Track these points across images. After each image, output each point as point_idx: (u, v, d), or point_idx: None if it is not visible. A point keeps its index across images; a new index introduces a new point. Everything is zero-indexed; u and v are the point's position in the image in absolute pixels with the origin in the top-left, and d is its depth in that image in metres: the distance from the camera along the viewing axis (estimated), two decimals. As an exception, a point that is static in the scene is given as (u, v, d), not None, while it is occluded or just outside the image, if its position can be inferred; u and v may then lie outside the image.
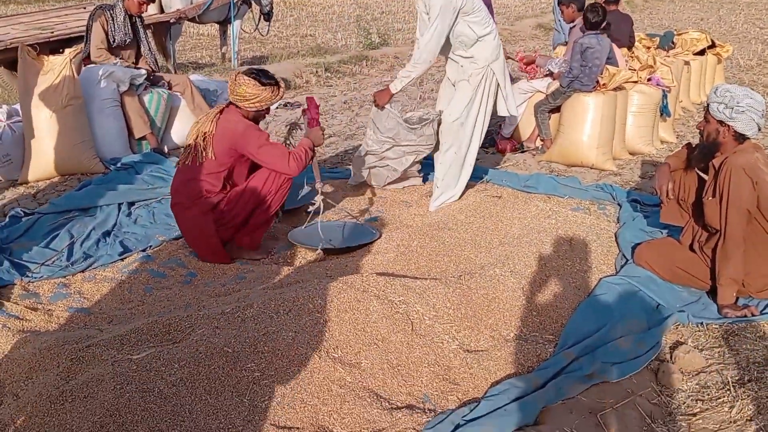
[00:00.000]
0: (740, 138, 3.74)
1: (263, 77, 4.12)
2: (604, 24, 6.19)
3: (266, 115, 4.35)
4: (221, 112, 4.17)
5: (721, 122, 3.72)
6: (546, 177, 5.72)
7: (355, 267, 4.09)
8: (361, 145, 5.29)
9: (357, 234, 4.60)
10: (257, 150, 4.10)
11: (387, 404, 2.87)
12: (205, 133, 4.09)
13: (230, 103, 4.19)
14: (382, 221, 4.92)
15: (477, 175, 5.72)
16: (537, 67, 6.78)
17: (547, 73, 6.60)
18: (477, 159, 6.33)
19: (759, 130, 3.73)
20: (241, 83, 4.07)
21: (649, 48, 7.95)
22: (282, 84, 4.25)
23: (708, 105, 3.79)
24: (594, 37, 6.07)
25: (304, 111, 4.55)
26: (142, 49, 6.60)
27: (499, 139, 6.79)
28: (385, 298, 3.43)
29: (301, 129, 4.79)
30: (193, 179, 4.13)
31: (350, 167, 5.54)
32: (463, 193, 5.24)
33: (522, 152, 6.59)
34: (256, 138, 4.10)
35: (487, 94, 4.88)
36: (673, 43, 8.43)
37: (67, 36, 7.27)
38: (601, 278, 3.99)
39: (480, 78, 4.79)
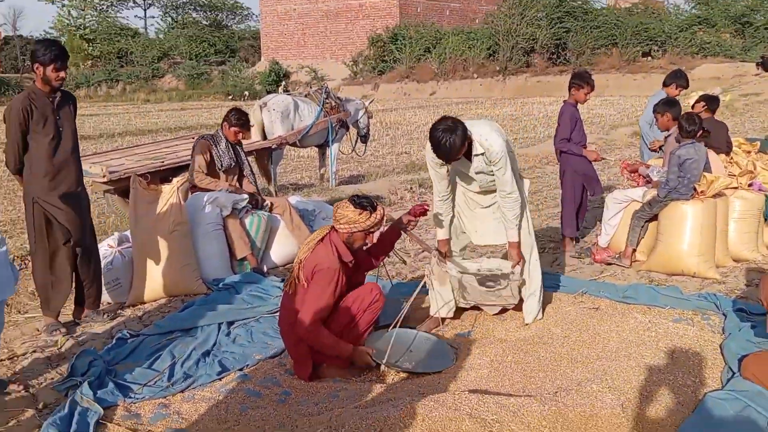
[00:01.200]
0: None
1: (361, 201, 4.25)
2: (700, 132, 6.14)
3: (368, 243, 4.39)
4: (322, 239, 4.28)
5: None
6: (645, 287, 5.58)
7: (447, 384, 4.04)
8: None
9: (433, 354, 4.53)
10: (311, 291, 4.15)
11: None
12: (300, 261, 4.22)
13: (332, 226, 4.33)
14: (474, 336, 4.87)
15: (573, 287, 5.65)
16: (639, 175, 6.75)
17: (647, 180, 6.55)
18: (574, 270, 6.30)
19: None
20: (339, 206, 4.27)
21: (749, 152, 7.77)
22: (380, 209, 4.30)
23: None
24: (691, 147, 6.01)
25: (413, 210, 4.72)
26: (245, 172, 6.95)
27: (595, 249, 6.69)
28: (478, 416, 3.37)
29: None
30: (291, 308, 4.25)
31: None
32: (559, 304, 5.17)
33: (617, 260, 6.45)
34: (321, 284, 4.14)
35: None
36: (775, 146, 8.22)
37: (177, 164, 7.72)
38: (706, 393, 3.80)
39: None
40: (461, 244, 5.15)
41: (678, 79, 7.66)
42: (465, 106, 26.85)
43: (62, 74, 4.92)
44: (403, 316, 4.65)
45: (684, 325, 4.78)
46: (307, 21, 44.55)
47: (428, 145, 4.56)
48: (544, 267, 6.10)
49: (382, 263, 4.90)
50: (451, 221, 5.00)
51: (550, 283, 5.66)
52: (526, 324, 4.92)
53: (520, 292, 4.92)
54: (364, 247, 4.45)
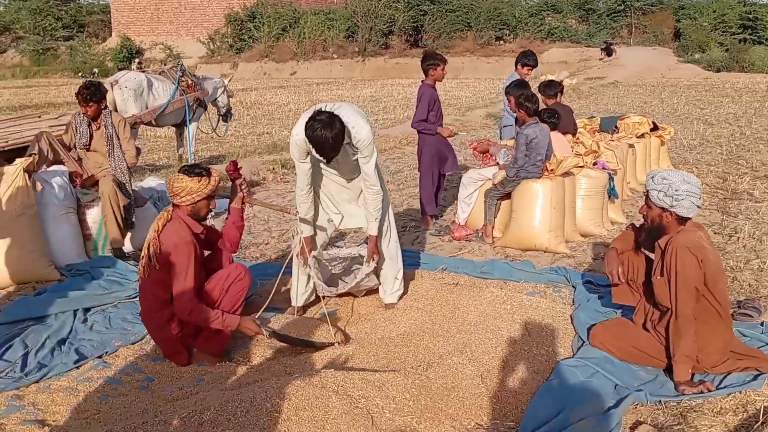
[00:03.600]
0: (683, 220, 3.89)
1: (193, 169, 4.16)
2: (540, 112, 6.45)
3: (211, 209, 4.30)
4: (170, 219, 4.15)
5: (663, 208, 3.86)
6: (501, 262, 5.82)
7: (313, 363, 4.08)
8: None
9: (315, 331, 4.54)
10: (174, 272, 4.05)
11: (349, 503, 2.83)
12: (149, 242, 4.09)
13: (173, 204, 4.21)
14: (339, 315, 4.92)
15: (434, 264, 5.82)
16: (490, 155, 6.98)
17: (497, 162, 6.79)
18: (434, 247, 6.48)
19: (698, 208, 3.89)
20: (172, 180, 4.14)
21: (594, 132, 8.24)
22: (214, 174, 4.21)
23: (648, 192, 3.94)
24: (536, 127, 6.27)
25: (228, 171, 4.61)
26: (109, 151, 6.48)
27: (453, 227, 6.90)
28: (344, 393, 3.42)
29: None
30: (147, 290, 4.16)
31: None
32: (421, 281, 5.32)
33: (478, 238, 6.68)
34: (181, 261, 4.04)
35: None
36: (616, 127, 8.75)
37: (22, 145, 7.28)
38: (558, 361, 4.02)
39: None
40: (323, 239, 5.00)
41: (525, 58, 7.95)
42: (326, 87, 26.84)
43: None
44: (270, 299, 4.56)
45: (537, 297, 5.03)
46: (161, -4, 42.95)
47: (293, 139, 4.42)
48: (406, 245, 6.25)
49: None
50: (314, 217, 4.85)
51: (411, 261, 5.80)
52: (389, 304, 5.01)
53: (378, 275, 4.99)
54: (210, 216, 4.35)
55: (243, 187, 4.63)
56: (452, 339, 4.27)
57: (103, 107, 6.38)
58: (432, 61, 6.94)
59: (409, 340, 4.32)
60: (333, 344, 4.36)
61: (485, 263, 5.81)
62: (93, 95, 6.26)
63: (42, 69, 38.01)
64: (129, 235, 6.43)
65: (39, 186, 5.92)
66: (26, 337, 4.53)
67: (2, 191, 5.56)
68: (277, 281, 4.70)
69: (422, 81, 7.09)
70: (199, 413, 3.24)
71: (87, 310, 5.02)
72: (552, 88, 7.74)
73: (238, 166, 4.67)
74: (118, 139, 6.42)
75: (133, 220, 6.39)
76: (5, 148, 7.11)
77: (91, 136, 6.43)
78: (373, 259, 4.79)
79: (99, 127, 6.42)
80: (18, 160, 5.81)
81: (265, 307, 4.50)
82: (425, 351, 4.16)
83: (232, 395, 3.44)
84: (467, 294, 5.02)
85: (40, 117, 8.75)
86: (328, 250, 4.96)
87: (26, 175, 5.68)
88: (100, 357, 4.32)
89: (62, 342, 4.50)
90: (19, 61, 39.89)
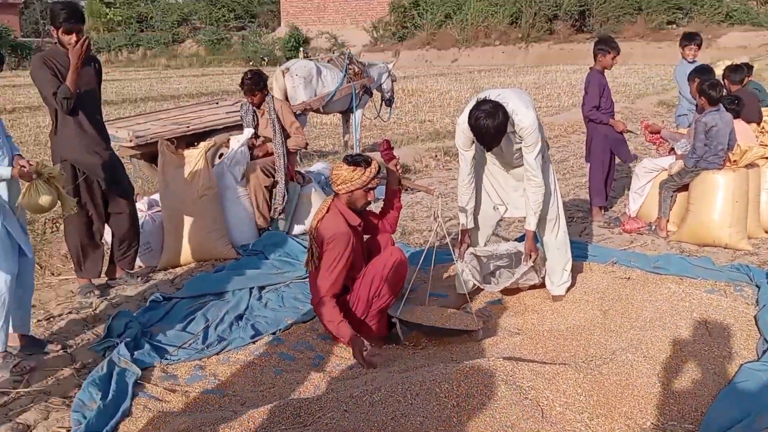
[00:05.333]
0: None
1: (354, 158, 4.17)
2: (724, 100, 6.06)
3: (369, 200, 4.29)
4: (328, 209, 4.21)
5: None
6: (677, 257, 5.54)
7: (480, 350, 4.05)
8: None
9: (455, 321, 4.45)
10: (324, 261, 4.12)
11: (519, 494, 2.79)
12: (310, 237, 4.21)
13: (335, 193, 4.27)
14: (505, 304, 4.86)
15: (603, 257, 5.63)
16: (661, 138, 6.67)
17: (672, 150, 6.47)
18: (603, 239, 6.27)
19: None
20: (334, 167, 4.20)
21: (781, 122, 7.65)
22: (373, 163, 4.20)
23: None
24: (716, 114, 5.91)
25: (382, 152, 4.60)
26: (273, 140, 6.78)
27: (624, 219, 6.65)
28: (513, 383, 3.37)
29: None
30: (312, 280, 4.25)
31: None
32: (590, 274, 5.15)
33: (651, 231, 6.40)
34: (333, 253, 4.10)
35: None
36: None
37: (203, 130, 7.71)
38: (742, 364, 3.78)
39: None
40: (487, 233, 4.92)
41: (689, 40, 7.51)
42: (487, 74, 26.61)
43: (73, 37, 4.69)
44: (408, 289, 4.53)
45: (717, 296, 4.74)
46: (328, -14, 44.13)
47: (459, 127, 4.41)
48: (573, 236, 6.07)
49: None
50: (475, 210, 4.79)
51: (580, 253, 5.64)
52: (556, 296, 4.89)
53: (542, 270, 4.85)
54: (368, 207, 4.39)
55: (398, 167, 4.63)
56: (625, 335, 4.11)
57: (265, 94, 6.67)
58: (602, 47, 6.69)
59: (579, 333, 4.20)
60: (476, 331, 4.33)
61: (659, 258, 5.55)
62: (256, 84, 6.56)
63: (216, 58, 40.14)
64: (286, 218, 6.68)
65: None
66: (207, 311, 4.81)
67: (186, 173, 5.91)
68: (417, 270, 4.64)
69: (590, 67, 6.86)
70: (370, 393, 3.30)
71: (261, 288, 5.26)
72: (739, 73, 7.24)
73: (391, 146, 4.68)
74: (280, 123, 6.64)
75: (282, 203, 6.55)
76: (188, 132, 7.56)
77: (257, 124, 6.74)
78: (530, 257, 4.65)
79: (263, 114, 6.71)
80: (201, 144, 6.16)
81: (405, 297, 4.51)
82: (596, 346, 4.03)
83: (401, 378, 3.48)
84: (641, 289, 4.82)
85: (218, 104, 9.21)
86: (488, 246, 4.89)
87: (207, 159, 6.00)
88: (274, 333, 4.50)
89: (239, 317, 4.73)
90: (195, 51, 42.31)
